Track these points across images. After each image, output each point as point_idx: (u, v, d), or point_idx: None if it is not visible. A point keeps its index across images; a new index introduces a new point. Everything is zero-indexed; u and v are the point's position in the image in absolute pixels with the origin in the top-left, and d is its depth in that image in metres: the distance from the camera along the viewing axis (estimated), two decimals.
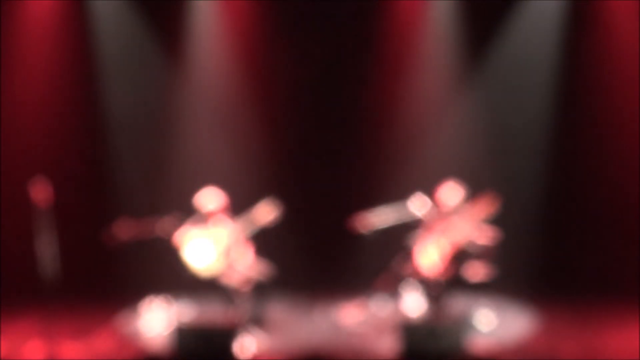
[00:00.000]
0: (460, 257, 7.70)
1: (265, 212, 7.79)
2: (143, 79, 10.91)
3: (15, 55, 10.33)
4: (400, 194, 10.39)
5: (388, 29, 10.88)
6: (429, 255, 7.74)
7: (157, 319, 7.91)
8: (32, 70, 10.54)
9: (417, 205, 7.84)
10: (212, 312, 7.99)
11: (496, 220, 8.33)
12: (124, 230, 7.77)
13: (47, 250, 6.82)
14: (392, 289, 8.21)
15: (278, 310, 8.44)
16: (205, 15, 10.71)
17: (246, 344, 6.95)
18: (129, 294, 9.30)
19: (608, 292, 9.05)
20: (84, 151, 10.97)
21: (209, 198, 7.90)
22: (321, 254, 10.88)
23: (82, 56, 10.73)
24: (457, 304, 7.97)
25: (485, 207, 7.48)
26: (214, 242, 7.73)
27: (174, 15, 10.65)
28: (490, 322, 7.85)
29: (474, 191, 7.86)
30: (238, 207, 8.21)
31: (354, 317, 8.13)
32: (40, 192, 6.88)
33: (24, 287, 9.24)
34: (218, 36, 10.89)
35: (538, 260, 10.75)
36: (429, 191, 8.05)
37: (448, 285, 7.62)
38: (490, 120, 10.92)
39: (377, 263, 8.07)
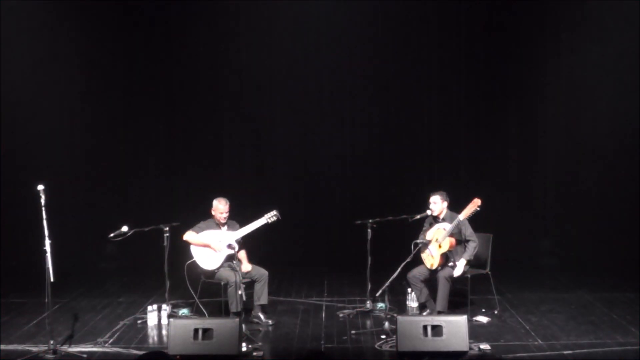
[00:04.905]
0: (455, 255, 7.74)
1: (269, 216, 7.85)
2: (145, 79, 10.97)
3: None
4: (402, 196, 10.49)
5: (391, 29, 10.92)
6: (432, 255, 7.76)
7: (158, 314, 7.92)
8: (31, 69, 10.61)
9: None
10: (212, 309, 8.00)
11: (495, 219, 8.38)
12: (128, 230, 7.77)
13: (48, 250, 6.84)
14: (398, 286, 8.25)
15: (278, 308, 8.47)
16: None
17: (244, 338, 6.96)
18: (131, 292, 9.36)
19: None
20: (88, 151, 11.02)
21: (217, 202, 7.94)
22: (323, 253, 10.94)
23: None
24: (456, 300, 7.99)
25: (470, 208, 7.55)
26: (221, 242, 7.77)
27: None
28: (487, 316, 7.89)
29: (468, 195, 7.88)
30: (242, 210, 8.25)
31: (357, 314, 8.15)
32: (44, 192, 6.89)
33: (25, 286, 9.28)
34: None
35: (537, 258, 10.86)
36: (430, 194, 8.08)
37: (448, 282, 7.62)
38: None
39: (381, 262, 8.08)
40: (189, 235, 7.84)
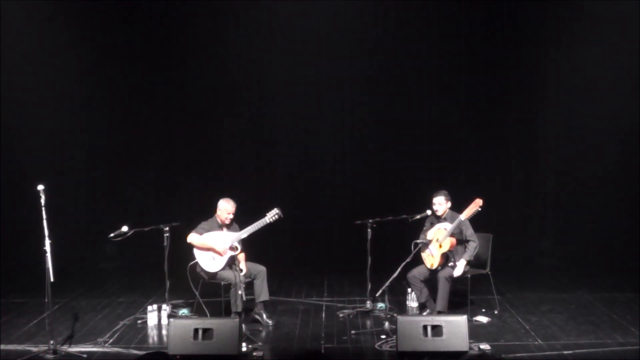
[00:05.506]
0: (456, 254, 7.75)
1: (271, 215, 7.82)
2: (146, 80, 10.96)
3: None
4: (402, 196, 10.49)
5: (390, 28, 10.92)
6: (432, 255, 7.77)
7: (158, 314, 7.92)
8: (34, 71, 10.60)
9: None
10: (212, 309, 7.99)
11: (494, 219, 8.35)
12: (128, 230, 7.76)
13: (48, 250, 6.83)
14: (398, 286, 8.25)
15: (278, 308, 8.46)
16: None
17: (244, 338, 6.96)
18: (131, 292, 9.35)
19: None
20: (88, 152, 11.02)
21: (225, 203, 7.92)
22: (323, 253, 10.93)
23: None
24: (456, 300, 8.00)
25: (472, 208, 7.55)
26: (224, 244, 7.75)
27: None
28: (487, 316, 7.89)
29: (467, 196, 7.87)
30: (242, 210, 8.24)
31: (357, 314, 8.15)
32: (44, 192, 6.88)
33: (25, 286, 9.28)
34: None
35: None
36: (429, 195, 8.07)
37: (448, 282, 7.63)
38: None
39: (381, 262, 8.08)
40: (192, 238, 7.77)
